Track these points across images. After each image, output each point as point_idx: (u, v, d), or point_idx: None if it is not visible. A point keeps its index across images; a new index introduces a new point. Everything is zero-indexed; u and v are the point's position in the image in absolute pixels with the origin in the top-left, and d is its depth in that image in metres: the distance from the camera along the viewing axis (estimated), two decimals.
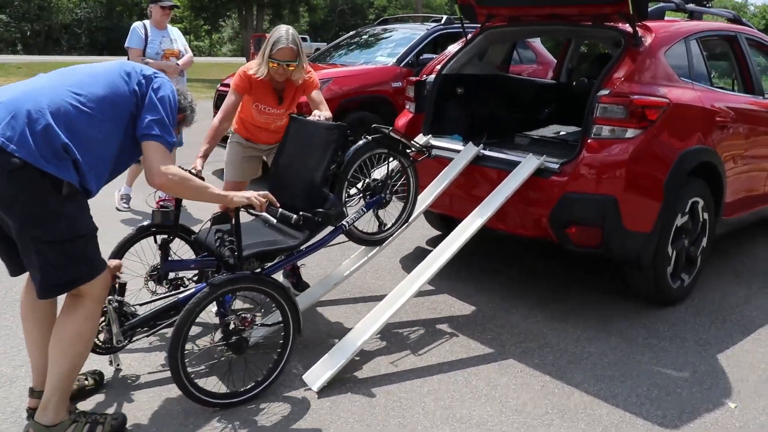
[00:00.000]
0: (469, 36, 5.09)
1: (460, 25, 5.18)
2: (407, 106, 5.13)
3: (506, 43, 5.61)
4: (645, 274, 4.10)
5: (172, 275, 3.39)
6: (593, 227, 3.83)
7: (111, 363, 3.22)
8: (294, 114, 3.75)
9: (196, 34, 54.13)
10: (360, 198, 3.73)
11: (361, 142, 3.61)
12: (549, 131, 5.80)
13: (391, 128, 3.66)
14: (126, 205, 6.14)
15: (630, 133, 3.77)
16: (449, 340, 3.74)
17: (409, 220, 4.00)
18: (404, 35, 8.69)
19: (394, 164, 3.81)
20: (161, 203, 3.71)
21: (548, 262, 5.17)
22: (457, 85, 5.14)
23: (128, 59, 5.93)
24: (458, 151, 4.42)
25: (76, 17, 51.58)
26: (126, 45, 5.96)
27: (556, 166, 3.92)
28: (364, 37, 9.46)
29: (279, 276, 4.48)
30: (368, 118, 7.49)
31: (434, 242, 5.50)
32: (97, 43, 50.50)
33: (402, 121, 5.08)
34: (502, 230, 4.34)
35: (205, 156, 3.68)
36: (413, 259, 5.11)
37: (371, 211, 3.75)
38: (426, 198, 4.23)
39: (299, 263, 4.27)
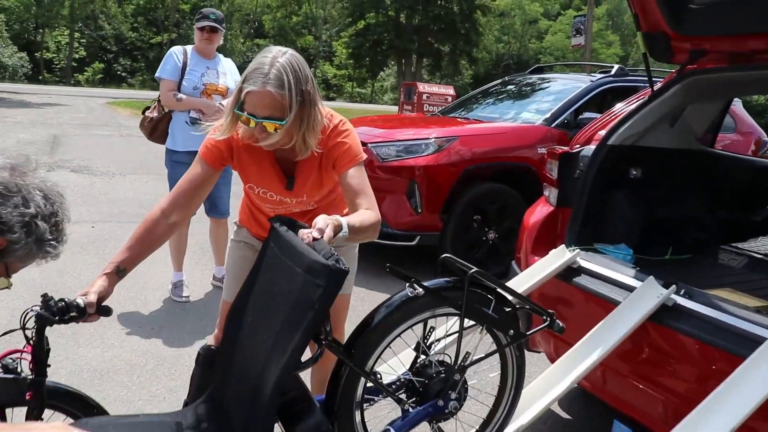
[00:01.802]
0: (657, 86, 3.11)
1: (645, 70, 3.19)
2: (546, 193, 3.20)
3: (718, 99, 3.54)
4: None
5: None
6: None
7: None
8: (276, 219, 1.92)
9: (359, 81, 54.58)
10: (391, 399, 1.94)
11: (400, 297, 1.84)
12: None
13: (474, 269, 1.83)
14: (183, 296, 4.55)
15: None
16: None
17: (570, 381, 2.18)
18: (561, 87, 6.72)
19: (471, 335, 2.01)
20: (5, 360, 1.79)
21: None
22: (631, 164, 3.17)
23: (159, 95, 4.47)
24: (629, 289, 2.43)
25: (247, 59, 53.59)
26: (156, 75, 4.44)
27: None
28: (511, 87, 7.59)
29: None
30: (502, 193, 5.62)
31: (571, 406, 3.46)
32: None
33: (535, 217, 3.15)
34: None
35: (117, 273, 1.94)
36: None
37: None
38: (566, 368, 2.27)
39: None
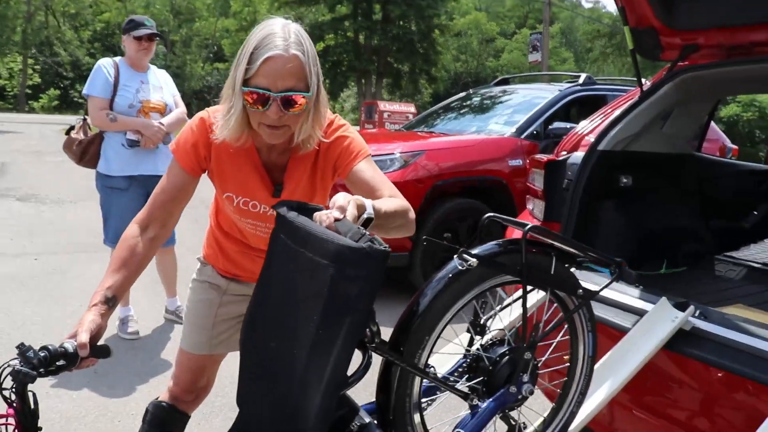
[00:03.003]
0: (647, 86, 2.85)
1: (633, 66, 2.91)
2: (530, 207, 2.91)
3: (710, 98, 3.29)
4: None
5: None
6: None
7: None
8: (282, 205, 1.46)
9: None
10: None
11: (449, 271, 1.54)
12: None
13: (530, 224, 1.56)
14: (130, 331, 4.08)
15: None
16: None
17: (575, 424, 1.84)
18: (528, 98, 6.50)
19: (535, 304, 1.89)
20: None
21: None
22: (621, 172, 2.89)
23: (86, 113, 3.97)
24: (635, 312, 2.13)
25: (207, 84, 53.16)
26: (84, 92, 3.91)
27: None
28: (476, 99, 7.35)
29: None
30: (473, 209, 5.32)
31: None
32: None
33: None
34: None
35: (106, 303, 1.56)
36: None
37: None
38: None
39: None
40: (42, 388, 3.25)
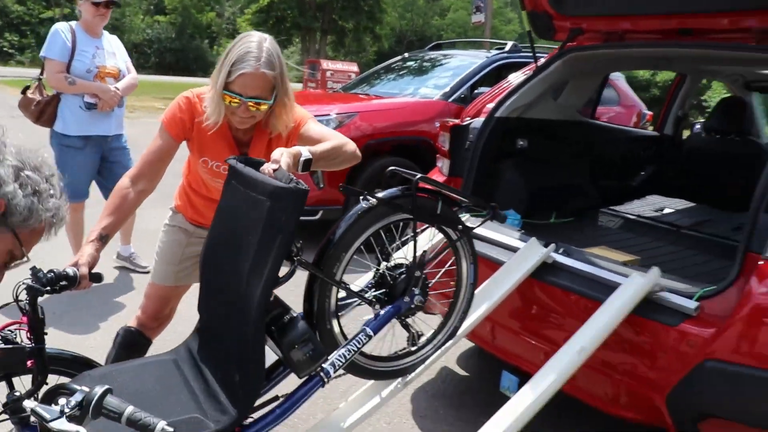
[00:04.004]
0: (541, 61, 3.33)
1: (530, 45, 3.40)
2: (439, 164, 3.38)
3: (597, 74, 3.81)
4: None
5: None
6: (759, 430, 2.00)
7: None
8: (233, 159, 2.02)
9: None
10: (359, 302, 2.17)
11: (357, 210, 1.98)
12: (648, 207, 3.99)
13: (419, 175, 2.01)
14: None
15: None
16: None
17: (459, 333, 2.34)
18: (459, 63, 6.98)
19: (427, 237, 2.28)
20: (3, 332, 1.84)
21: None
22: (517, 136, 3.38)
23: (41, 74, 4.23)
24: (513, 250, 2.65)
25: (147, 37, 51.82)
26: (42, 54, 4.15)
27: (692, 304, 2.10)
28: (411, 63, 7.78)
29: None
30: (402, 166, 5.76)
31: (468, 363, 3.70)
32: (166, 63, 50.51)
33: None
34: (577, 398, 2.50)
35: (101, 239, 2.10)
36: (442, 398, 3.31)
37: (393, 324, 2.14)
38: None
39: None
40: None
